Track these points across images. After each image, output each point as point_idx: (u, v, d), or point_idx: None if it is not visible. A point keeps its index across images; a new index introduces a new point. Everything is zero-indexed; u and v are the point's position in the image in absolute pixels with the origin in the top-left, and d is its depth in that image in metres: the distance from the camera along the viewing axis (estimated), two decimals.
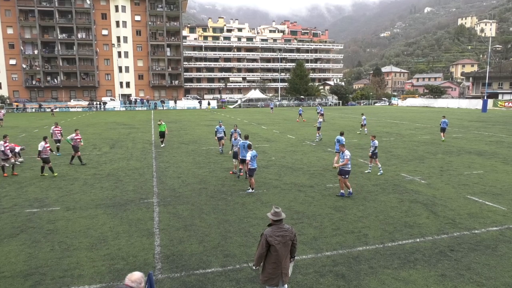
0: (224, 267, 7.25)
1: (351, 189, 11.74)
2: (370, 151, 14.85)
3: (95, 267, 7.27)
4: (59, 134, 20.58)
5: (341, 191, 11.69)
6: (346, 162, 11.31)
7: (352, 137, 25.67)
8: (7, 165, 15.24)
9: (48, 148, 15.03)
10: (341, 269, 7.13)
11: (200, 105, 74.11)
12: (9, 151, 15.38)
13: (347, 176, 11.50)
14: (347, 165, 11.37)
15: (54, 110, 54.85)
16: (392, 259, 7.54)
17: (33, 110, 65.45)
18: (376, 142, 14.81)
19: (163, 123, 22.56)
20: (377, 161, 14.96)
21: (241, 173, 14.29)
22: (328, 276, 6.86)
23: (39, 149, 14.79)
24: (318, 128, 24.68)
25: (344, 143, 15.85)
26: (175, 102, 74.43)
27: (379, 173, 14.73)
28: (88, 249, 8.06)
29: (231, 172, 15.14)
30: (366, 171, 15.14)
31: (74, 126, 36.54)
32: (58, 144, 20.53)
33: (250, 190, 12.39)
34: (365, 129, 28.44)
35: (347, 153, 11.46)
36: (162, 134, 22.36)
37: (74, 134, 17.60)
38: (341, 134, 16.85)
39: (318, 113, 35.98)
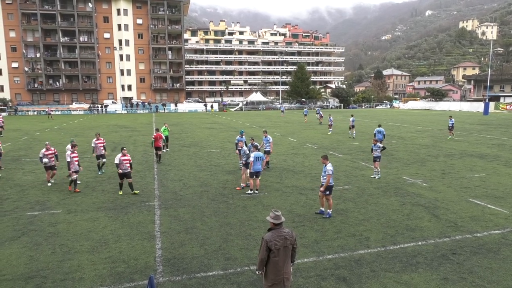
0: (225, 270, 7.24)
1: (331, 210, 10.18)
2: (374, 155, 14.66)
3: (96, 270, 7.26)
4: (102, 148, 16.25)
5: (321, 208, 10.39)
6: (329, 178, 9.88)
7: (349, 139, 25.65)
8: (74, 177, 12.97)
9: (125, 162, 12.46)
10: (342, 272, 7.11)
11: (206, 108, 74.72)
12: (77, 164, 13.11)
13: (328, 193, 10.05)
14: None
15: (51, 113, 54.55)
16: (394, 262, 7.51)
17: (10, 114, 63.06)
18: (380, 145, 14.70)
19: (166, 126, 22.60)
20: (377, 165, 14.67)
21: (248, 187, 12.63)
22: (329, 280, 6.84)
23: (115, 162, 12.49)
24: (353, 126, 27.49)
25: (385, 133, 16.61)
26: (176, 105, 74.61)
27: (376, 177, 14.53)
28: (89, 252, 8.06)
29: (238, 188, 13.13)
30: (373, 176, 15.03)
31: (76, 128, 36.70)
32: (103, 160, 16.17)
33: (250, 192, 12.39)
34: (330, 129, 30.94)
35: (329, 167, 10.00)
36: (165, 139, 22.31)
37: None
38: (380, 126, 19.27)
39: (351, 120, 29.94)
